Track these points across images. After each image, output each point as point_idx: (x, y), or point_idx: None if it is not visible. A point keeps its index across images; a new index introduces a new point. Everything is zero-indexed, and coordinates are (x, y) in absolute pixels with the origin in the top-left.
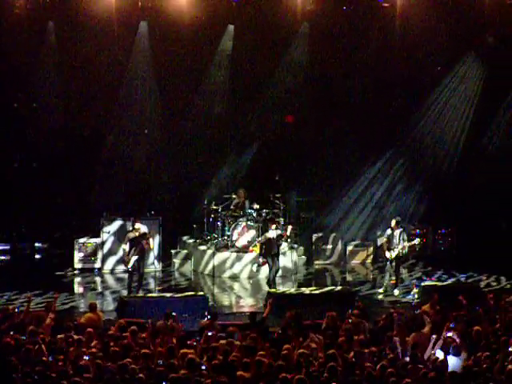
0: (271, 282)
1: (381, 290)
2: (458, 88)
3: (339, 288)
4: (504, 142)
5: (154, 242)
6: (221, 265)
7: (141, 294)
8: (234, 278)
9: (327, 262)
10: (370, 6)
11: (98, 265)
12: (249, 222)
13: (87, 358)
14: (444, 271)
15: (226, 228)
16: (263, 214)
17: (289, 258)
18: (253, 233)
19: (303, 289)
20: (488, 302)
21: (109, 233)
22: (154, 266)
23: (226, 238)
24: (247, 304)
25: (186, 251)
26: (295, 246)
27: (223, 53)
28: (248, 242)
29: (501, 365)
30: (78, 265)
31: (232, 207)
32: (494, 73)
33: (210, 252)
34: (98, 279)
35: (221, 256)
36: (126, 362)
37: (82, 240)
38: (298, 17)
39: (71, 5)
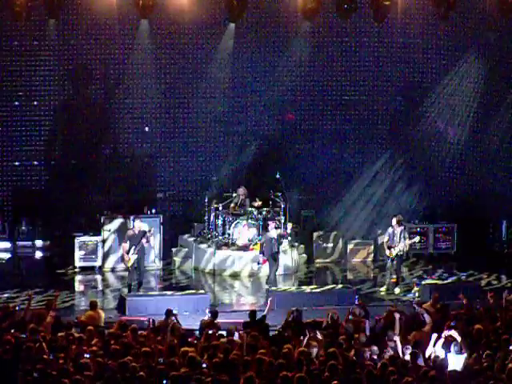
0: (272, 281)
1: (383, 289)
2: (458, 88)
3: (340, 286)
4: (505, 140)
5: (155, 240)
6: (221, 263)
7: (141, 292)
8: (235, 276)
9: (328, 260)
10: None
11: (98, 263)
12: (249, 221)
13: (88, 356)
14: (444, 270)
15: (227, 226)
16: (264, 213)
17: (289, 256)
18: (253, 231)
19: (304, 287)
20: (488, 301)
21: (110, 231)
22: (154, 264)
23: (226, 236)
24: (248, 302)
25: (186, 249)
26: (296, 244)
27: (224, 51)
28: (249, 240)
29: (501, 363)
30: (78, 263)
31: (232, 205)
32: (495, 71)
33: (210, 250)
34: (98, 277)
35: (221, 254)
36: (126, 360)
37: (82, 238)
38: (298, 16)
39: (72, 3)
